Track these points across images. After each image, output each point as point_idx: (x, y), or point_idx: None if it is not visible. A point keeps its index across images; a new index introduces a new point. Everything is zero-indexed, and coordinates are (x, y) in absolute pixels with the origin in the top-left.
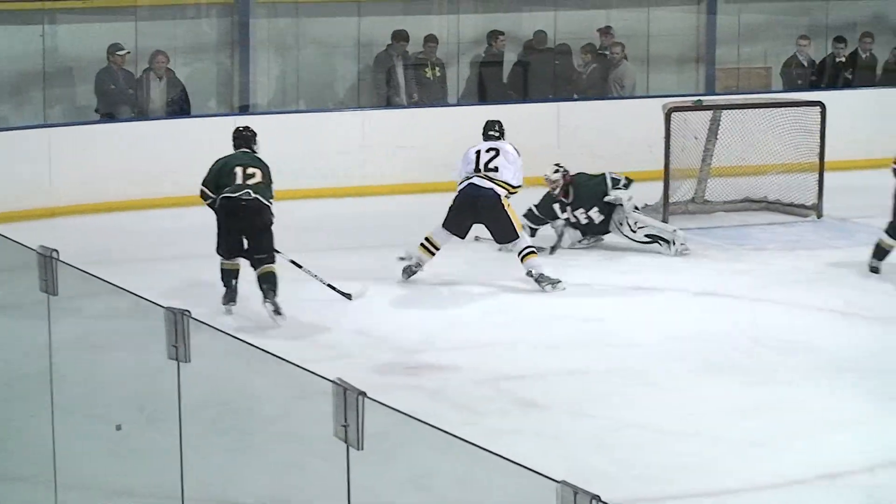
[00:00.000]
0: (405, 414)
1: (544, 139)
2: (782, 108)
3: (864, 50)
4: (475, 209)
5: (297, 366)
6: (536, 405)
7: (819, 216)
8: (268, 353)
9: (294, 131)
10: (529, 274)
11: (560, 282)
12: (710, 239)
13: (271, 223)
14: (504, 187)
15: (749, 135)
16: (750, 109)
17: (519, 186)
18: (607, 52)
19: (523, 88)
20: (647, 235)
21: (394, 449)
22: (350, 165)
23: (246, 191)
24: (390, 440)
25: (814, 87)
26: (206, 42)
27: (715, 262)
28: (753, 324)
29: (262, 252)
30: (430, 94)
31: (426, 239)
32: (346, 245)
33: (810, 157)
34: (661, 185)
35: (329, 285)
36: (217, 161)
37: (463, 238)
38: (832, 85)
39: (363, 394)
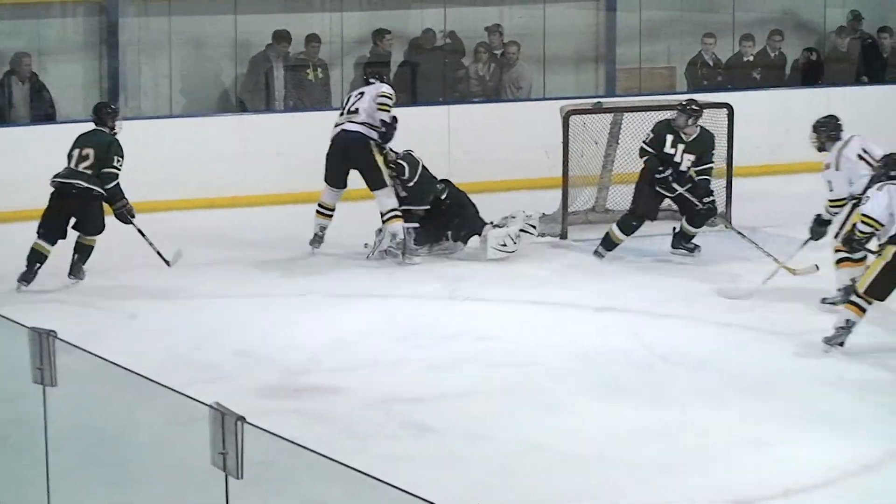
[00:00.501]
0: (288, 440)
1: (434, 145)
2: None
3: (773, 49)
4: (346, 154)
5: (172, 389)
6: (430, 429)
7: (727, 226)
8: (140, 375)
9: (167, 138)
10: (394, 237)
11: (420, 258)
12: (612, 250)
13: (98, 208)
14: (374, 129)
15: None
16: (653, 112)
17: (389, 98)
18: (499, 52)
19: (411, 90)
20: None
21: (277, 478)
22: (227, 174)
23: (76, 180)
24: (273, 469)
25: (721, 87)
26: (73, 43)
27: (617, 275)
28: (659, 341)
29: (88, 234)
30: (312, 97)
31: (318, 204)
32: (223, 259)
33: (717, 162)
34: (559, 193)
35: (157, 251)
36: None
37: (342, 188)
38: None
39: (242, 419)
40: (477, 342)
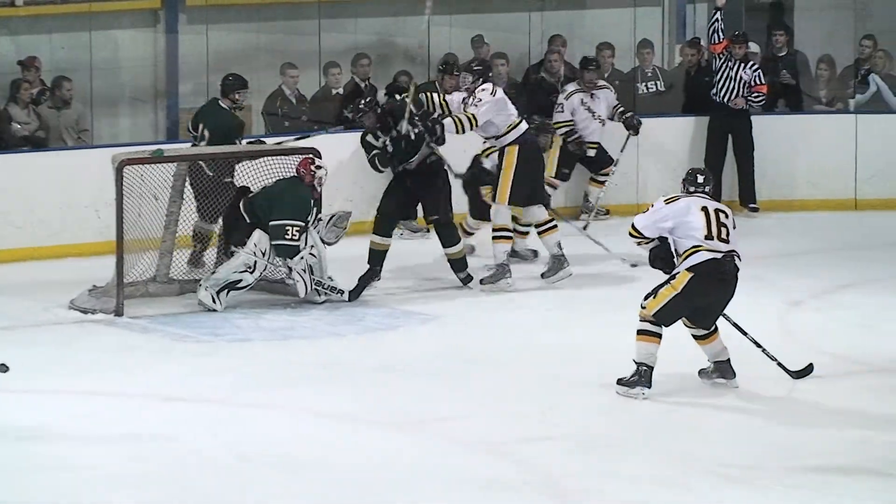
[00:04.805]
0: None
1: None
2: (273, 158)
3: (361, 76)
4: None
5: None
6: None
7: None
8: None
9: None
10: None
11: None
12: (180, 329)
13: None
14: None
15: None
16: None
17: None
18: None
19: None
20: None
21: None
22: None
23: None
24: None
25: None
26: None
27: (188, 357)
28: (239, 437)
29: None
30: None
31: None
32: None
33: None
34: (112, 260)
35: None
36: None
37: None
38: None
39: None
40: (16, 444)
